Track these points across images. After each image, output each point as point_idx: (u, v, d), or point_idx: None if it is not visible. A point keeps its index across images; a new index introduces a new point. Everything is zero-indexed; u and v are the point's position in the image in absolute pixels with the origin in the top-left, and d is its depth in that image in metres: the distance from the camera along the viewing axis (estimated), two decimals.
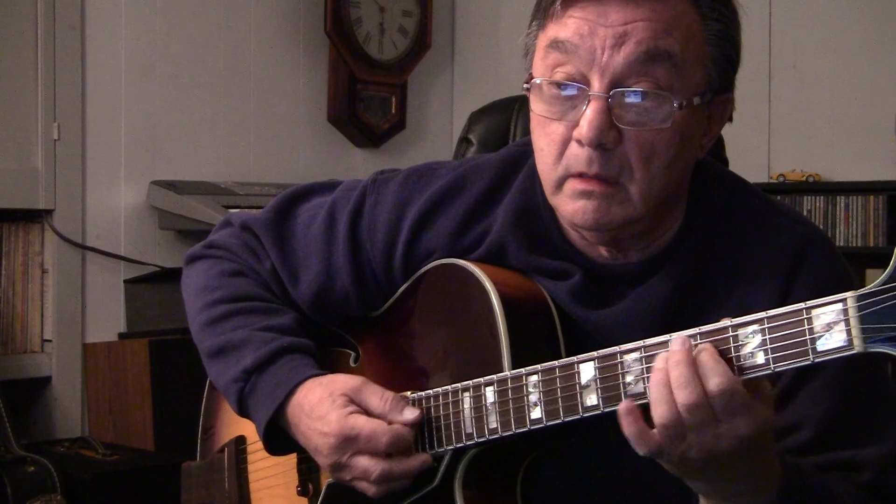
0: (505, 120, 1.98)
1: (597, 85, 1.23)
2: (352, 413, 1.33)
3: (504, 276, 1.36)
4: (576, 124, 1.25)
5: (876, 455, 1.24)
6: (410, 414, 1.33)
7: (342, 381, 1.37)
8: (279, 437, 1.41)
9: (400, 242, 1.44)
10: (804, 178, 3.81)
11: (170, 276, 3.51)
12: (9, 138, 3.34)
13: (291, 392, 1.39)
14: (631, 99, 1.23)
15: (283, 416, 1.40)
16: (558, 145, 1.27)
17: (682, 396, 1.08)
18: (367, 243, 1.47)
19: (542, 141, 1.29)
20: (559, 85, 1.26)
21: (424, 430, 1.35)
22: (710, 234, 1.33)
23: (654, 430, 1.11)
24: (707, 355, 1.09)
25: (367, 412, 1.34)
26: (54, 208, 3.40)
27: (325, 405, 1.34)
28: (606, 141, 1.23)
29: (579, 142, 1.24)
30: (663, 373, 1.10)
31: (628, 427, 1.12)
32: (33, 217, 3.41)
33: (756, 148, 3.93)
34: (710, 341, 1.10)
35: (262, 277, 1.53)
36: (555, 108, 1.27)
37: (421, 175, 1.48)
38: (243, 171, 3.93)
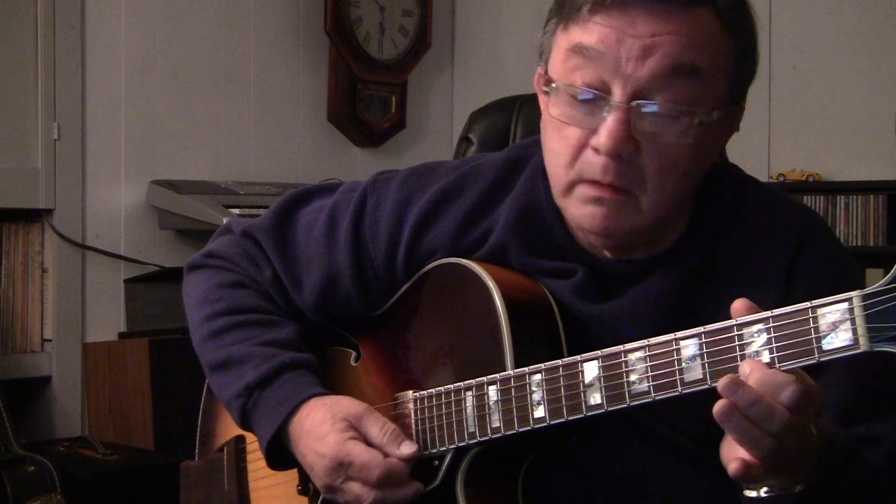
0: (505, 119, 1.98)
1: (618, 94, 1.22)
2: (350, 439, 1.33)
3: (506, 276, 1.35)
4: (593, 131, 1.24)
5: (894, 427, 1.24)
6: (407, 449, 1.32)
7: (346, 405, 1.37)
8: (281, 453, 1.41)
9: (402, 242, 1.44)
10: (804, 178, 3.81)
11: (170, 276, 3.51)
12: (9, 138, 3.34)
13: (294, 410, 1.38)
14: (651, 111, 1.22)
15: (285, 432, 1.40)
16: (573, 150, 1.26)
17: (774, 426, 1.05)
18: (369, 244, 1.46)
19: (557, 144, 1.28)
20: (578, 90, 1.25)
21: (427, 429, 1.35)
22: (715, 231, 1.33)
23: (755, 462, 1.08)
24: (759, 375, 1.06)
25: (367, 440, 1.34)
26: (54, 208, 3.40)
27: (325, 426, 1.34)
28: (624, 151, 1.22)
29: (596, 149, 1.24)
30: (740, 417, 1.06)
31: (747, 479, 1.10)
32: (33, 217, 3.41)
33: (756, 148, 3.93)
34: (717, 341, 1.10)
35: (262, 287, 1.52)
36: (572, 113, 1.26)
37: (421, 175, 1.47)
38: (243, 171, 3.92)
